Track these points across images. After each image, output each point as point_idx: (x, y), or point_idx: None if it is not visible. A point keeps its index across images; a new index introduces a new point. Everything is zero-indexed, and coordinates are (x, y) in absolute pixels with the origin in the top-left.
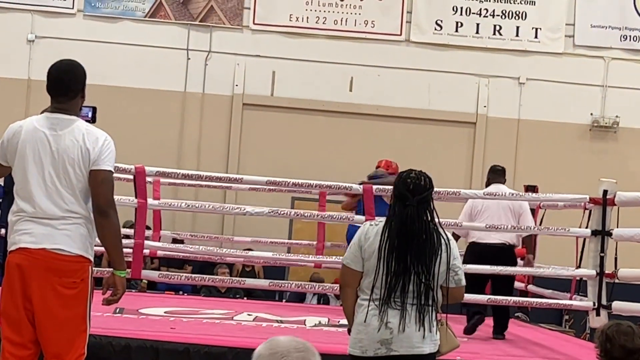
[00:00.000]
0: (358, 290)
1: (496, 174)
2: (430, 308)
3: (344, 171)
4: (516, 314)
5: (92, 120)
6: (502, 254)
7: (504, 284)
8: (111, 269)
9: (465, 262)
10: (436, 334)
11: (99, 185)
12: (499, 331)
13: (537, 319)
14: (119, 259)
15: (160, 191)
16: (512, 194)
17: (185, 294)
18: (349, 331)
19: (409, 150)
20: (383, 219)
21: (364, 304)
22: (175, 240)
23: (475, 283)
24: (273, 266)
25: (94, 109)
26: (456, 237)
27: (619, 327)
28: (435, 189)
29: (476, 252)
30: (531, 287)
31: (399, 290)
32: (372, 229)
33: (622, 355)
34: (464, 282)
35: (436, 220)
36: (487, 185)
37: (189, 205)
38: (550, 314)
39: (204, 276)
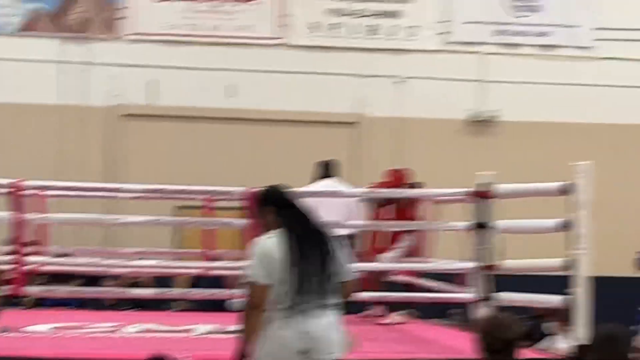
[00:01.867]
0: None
1: (319, 169)
2: (339, 309)
3: (229, 177)
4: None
5: None
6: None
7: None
8: None
9: None
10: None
11: None
12: None
13: (427, 314)
14: None
15: (44, 205)
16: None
17: (73, 309)
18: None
19: (293, 153)
20: (273, 232)
21: (276, 316)
22: (60, 255)
23: None
24: (162, 276)
25: None
26: None
27: (496, 319)
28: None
29: None
30: (418, 282)
31: (311, 295)
32: (269, 241)
33: (500, 346)
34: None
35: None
36: (313, 181)
37: (69, 219)
38: (440, 309)
39: (88, 289)
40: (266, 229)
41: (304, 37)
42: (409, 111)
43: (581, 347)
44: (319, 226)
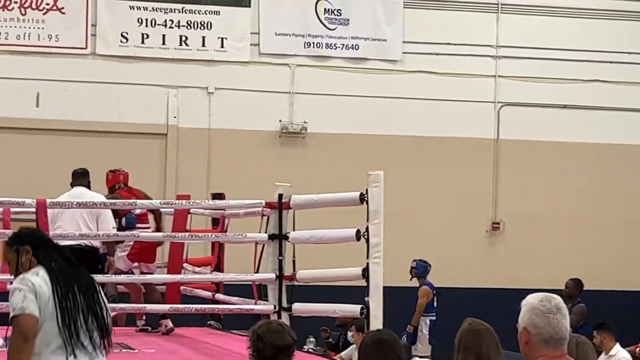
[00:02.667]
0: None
1: (77, 177)
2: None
3: (34, 188)
4: (208, 322)
5: None
6: (86, 256)
7: None
8: None
9: None
10: None
11: None
12: None
13: (230, 326)
14: None
15: None
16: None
17: None
18: None
19: (100, 164)
20: (40, 272)
21: (45, 356)
22: None
23: None
24: None
25: None
26: None
27: (269, 326)
28: None
29: None
30: (219, 296)
31: (80, 334)
32: (37, 277)
33: (273, 353)
34: None
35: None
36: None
37: None
38: (248, 321)
39: None
40: (18, 269)
41: (113, 47)
42: (219, 122)
43: (358, 353)
44: (77, 265)
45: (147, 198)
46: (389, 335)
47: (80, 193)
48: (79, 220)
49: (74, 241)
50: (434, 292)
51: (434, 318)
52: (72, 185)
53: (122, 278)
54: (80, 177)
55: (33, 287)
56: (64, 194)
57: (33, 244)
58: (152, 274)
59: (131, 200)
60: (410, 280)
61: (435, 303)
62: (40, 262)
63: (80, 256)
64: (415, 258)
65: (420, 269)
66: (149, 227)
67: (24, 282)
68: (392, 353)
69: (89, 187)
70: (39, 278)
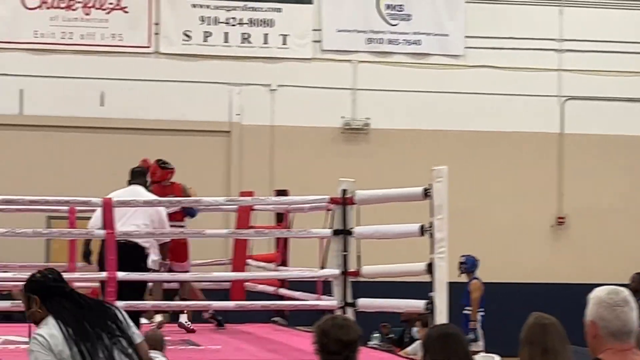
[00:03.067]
0: None
1: (135, 176)
2: None
3: (99, 187)
4: (273, 319)
5: None
6: (130, 253)
7: (129, 287)
8: None
9: (99, 262)
10: None
11: None
12: None
13: (295, 321)
14: None
15: None
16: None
17: None
18: None
19: None
20: (49, 322)
21: None
22: None
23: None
24: None
25: None
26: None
27: (334, 321)
28: None
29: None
30: (283, 291)
31: None
32: (46, 330)
33: (338, 349)
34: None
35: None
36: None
37: None
38: (312, 317)
39: None
40: (34, 317)
41: (177, 45)
42: (282, 119)
43: (423, 348)
44: (92, 302)
45: (187, 195)
46: (454, 329)
47: (137, 192)
48: (136, 218)
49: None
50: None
51: (483, 313)
52: (130, 183)
53: (184, 276)
54: (139, 176)
55: (44, 341)
56: (118, 190)
57: (42, 295)
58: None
59: (197, 198)
60: (459, 275)
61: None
62: (50, 311)
63: (126, 253)
64: (469, 254)
65: (470, 264)
66: (183, 226)
67: (34, 341)
68: (459, 347)
69: (145, 185)
70: (48, 328)
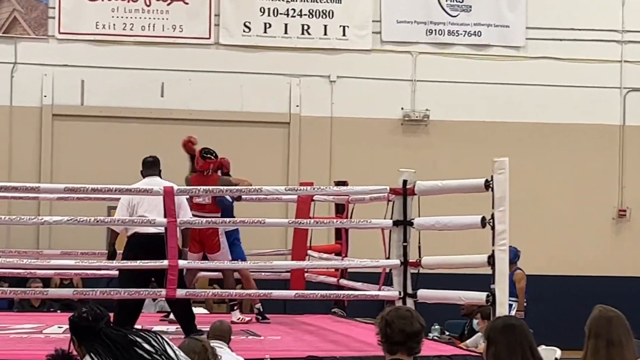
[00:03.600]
0: None
1: (148, 167)
2: None
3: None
4: (332, 310)
5: None
6: (163, 243)
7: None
8: None
9: (127, 255)
10: None
11: None
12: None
13: (354, 313)
14: None
15: None
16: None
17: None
18: None
19: (224, 153)
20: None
21: None
22: None
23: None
24: (91, 278)
25: None
26: (115, 234)
27: (398, 312)
28: None
29: (138, 244)
30: (343, 281)
31: None
32: None
33: (401, 339)
34: None
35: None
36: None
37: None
38: (372, 308)
39: (5, 289)
40: (78, 356)
41: (236, 37)
42: (341, 110)
43: (486, 340)
44: (126, 341)
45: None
46: (517, 320)
47: (157, 182)
48: (159, 207)
49: (156, 230)
50: None
51: (526, 304)
52: (145, 175)
53: (244, 265)
54: (152, 166)
55: None
56: (137, 183)
57: (78, 336)
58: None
59: (257, 187)
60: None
61: None
62: (86, 352)
63: (156, 244)
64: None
65: (512, 255)
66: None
67: None
68: (523, 339)
69: (160, 175)
70: None
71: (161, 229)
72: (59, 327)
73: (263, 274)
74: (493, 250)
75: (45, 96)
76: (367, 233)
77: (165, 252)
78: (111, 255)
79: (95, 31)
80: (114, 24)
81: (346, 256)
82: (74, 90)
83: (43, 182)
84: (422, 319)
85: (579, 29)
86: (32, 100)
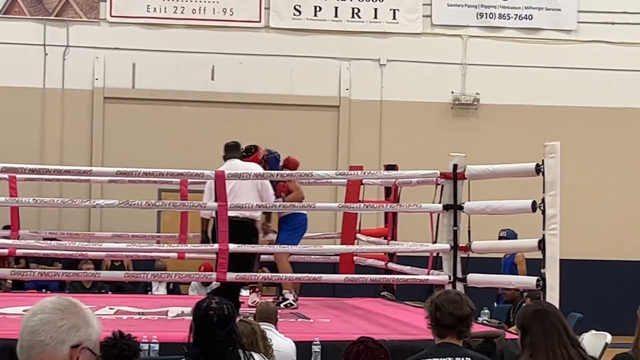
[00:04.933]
0: None
1: (230, 150)
2: None
3: (209, 160)
4: (382, 293)
5: None
6: (242, 227)
7: (239, 260)
8: None
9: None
10: None
11: None
12: None
13: (403, 297)
14: None
15: (17, 188)
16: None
17: (49, 292)
18: None
19: (274, 136)
20: None
21: None
22: (46, 239)
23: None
24: (142, 260)
25: None
26: (206, 221)
27: (448, 295)
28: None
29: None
30: (392, 265)
31: None
32: None
33: (451, 323)
34: None
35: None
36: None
37: (36, 201)
38: (420, 292)
39: (58, 271)
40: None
41: (287, 20)
42: (391, 94)
43: (519, 328)
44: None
45: None
46: (549, 305)
47: (236, 165)
48: (248, 192)
49: (246, 212)
50: None
51: None
52: (226, 158)
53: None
54: (234, 150)
55: None
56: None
57: (196, 327)
58: None
59: (308, 172)
60: None
61: None
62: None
63: (241, 228)
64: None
65: (510, 237)
66: None
67: None
68: (558, 323)
69: (241, 159)
70: None
71: (245, 213)
72: (110, 309)
73: (312, 257)
74: (543, 235)
75: (96, 79)
76: (413, 217)
77: (246, 236)
78: (204, 242)
79: (147, 14)
80: (165, 7)
81: (393, 240)
82: (125, 73)
83: (94, 164)
84: (472, 303)
85: (631, 12)
86: (84, 83)
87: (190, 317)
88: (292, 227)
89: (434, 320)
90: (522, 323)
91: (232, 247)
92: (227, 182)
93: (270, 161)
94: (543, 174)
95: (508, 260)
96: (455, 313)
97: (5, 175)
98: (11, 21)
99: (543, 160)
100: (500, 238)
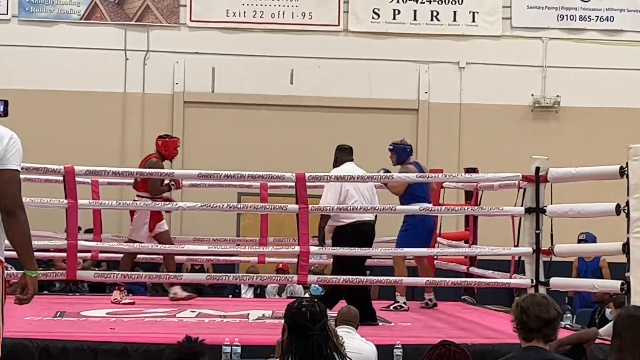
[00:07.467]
0: None
1: (344, 153)
2: None
3: (288, 164)
4: (462, 297)
5: (4, 114)
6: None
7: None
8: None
9: (356, 242)
10: None
11: (5, 185)
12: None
13: (483, 301)
14: (29, 259)
15: (99, 192)
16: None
17: (131, 294)
18: None
19: (352, 140)
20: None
21: None
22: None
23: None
24: (222, 264)
25: (6, 103)
26: (326, 218)
27: (534, 299)
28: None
29: (364, 232)
30: (473, 269)
31: None
32: None
33: (537, 326)
34: None
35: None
36: (336, 164)
37: (119, 204)
38: (501, 296)
39: (140, 273)
40: (281, 345)
41: (365, 23)
42: (470, 97)
43: (614, 331)
44: (332, 353)
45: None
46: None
47: (354, 168)
48: (369, 195)
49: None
50: None
51: None
52: (344, 160)
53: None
54: (351, 153)
55: None
56: (342, 169)
57: (291, 326)
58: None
59: (390, 174)
60: None
61: None
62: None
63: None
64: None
65: (590, 241)
66: None
67: None
68: None
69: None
70: None
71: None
72: (192, 312)
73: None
74: (628, 238)
75: (176, 83)
76: (494, 220)
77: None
78: (322, 240)
79: (226, 19)
80: (244, 12)
81: (474, 243)
82: (204, 77)
83: (174, 168)
84: (558, 306)
85: None
86: (164, 87)
87: (272, 320)
88: (406, 228)
89: (520, 323)
90: (614, 327)
91: (314, 249)
92: (350, 186)
93: (398, 151)
94: (627, 177)
95: (591, 264)
96: (542, 316)
97: (88, 180)
98: (93, 26)
99: (627, 163)
100: (579, 241)
